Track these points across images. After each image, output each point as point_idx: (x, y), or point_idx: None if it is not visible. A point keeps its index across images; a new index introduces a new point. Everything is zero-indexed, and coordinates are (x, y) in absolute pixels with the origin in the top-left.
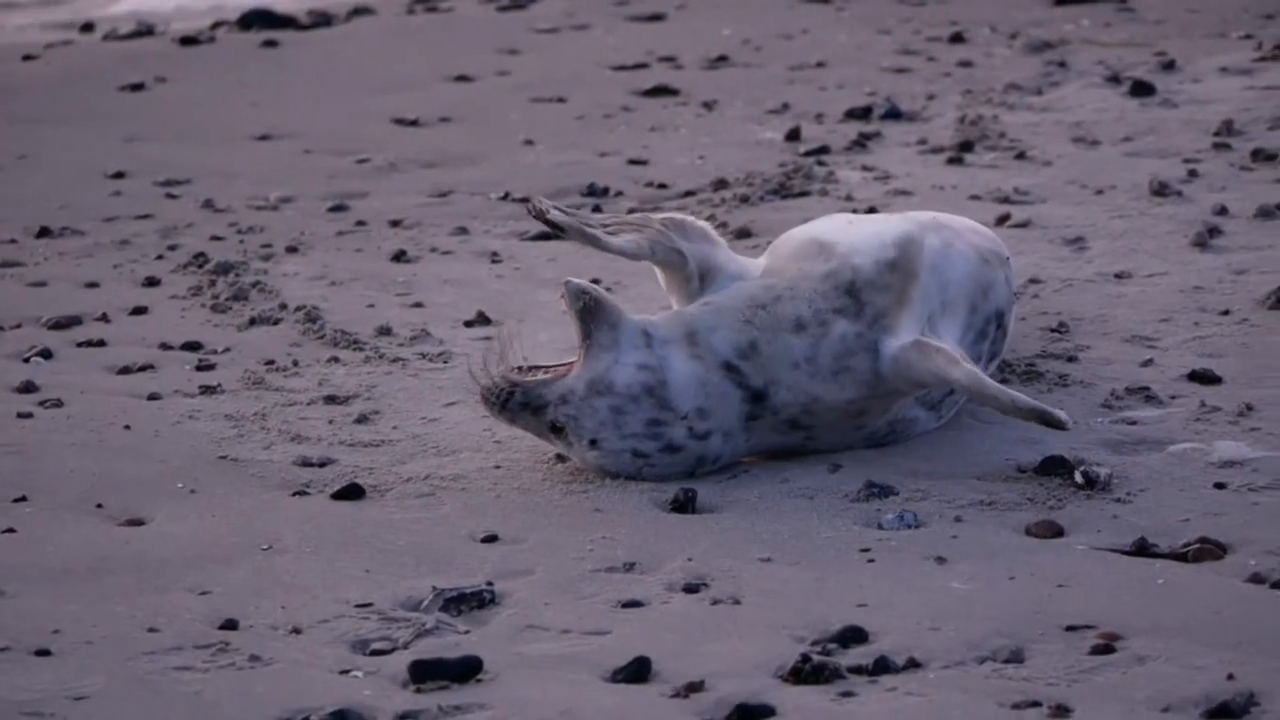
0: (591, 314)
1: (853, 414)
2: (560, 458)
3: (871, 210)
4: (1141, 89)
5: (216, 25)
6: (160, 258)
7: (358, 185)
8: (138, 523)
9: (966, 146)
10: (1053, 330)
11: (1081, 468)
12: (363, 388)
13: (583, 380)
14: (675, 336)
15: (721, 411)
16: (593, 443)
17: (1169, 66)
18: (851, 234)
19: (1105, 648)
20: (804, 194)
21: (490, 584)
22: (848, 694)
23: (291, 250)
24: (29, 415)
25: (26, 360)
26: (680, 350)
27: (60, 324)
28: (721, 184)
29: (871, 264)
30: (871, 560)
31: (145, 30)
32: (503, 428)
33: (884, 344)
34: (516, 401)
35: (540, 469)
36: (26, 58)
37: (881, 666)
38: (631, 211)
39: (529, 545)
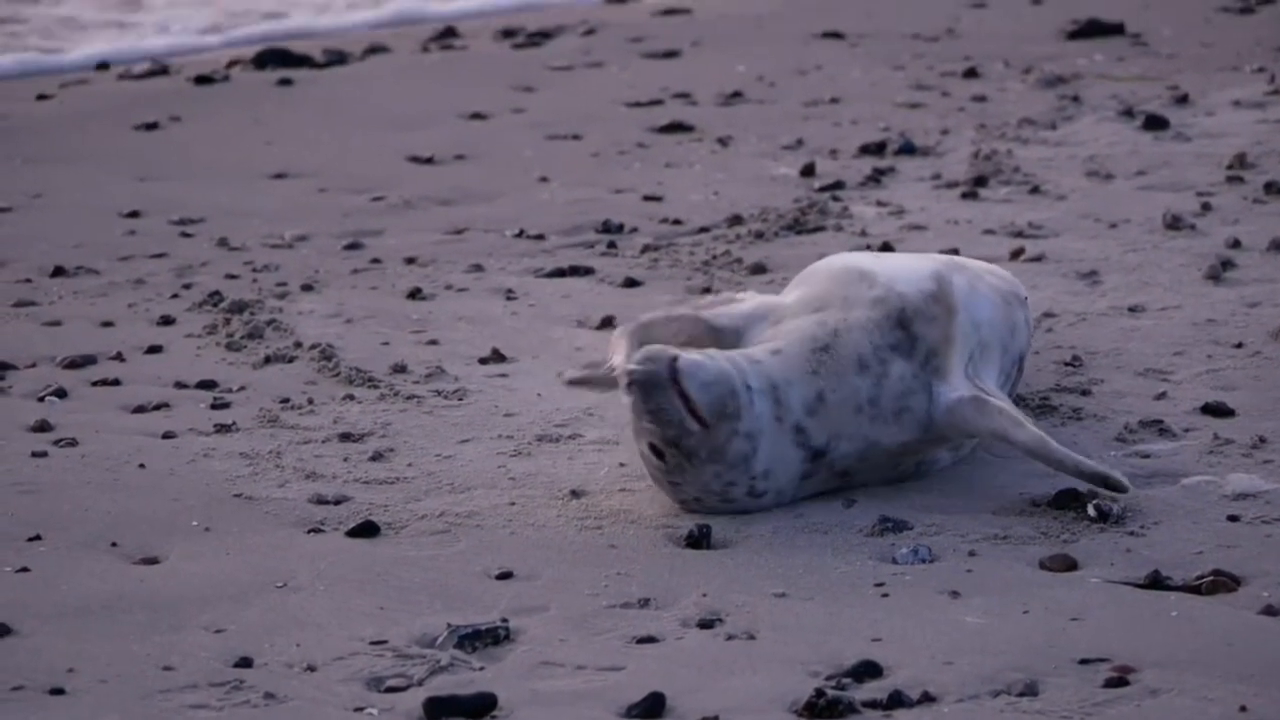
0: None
1: (898, 455)
2: (575, 494)
3: (886, 246)
4: (1155, 123)
5: (232, 64)
6: (175, 296)
7: (373, 223)
8: (152, 561)
9: (981, 181)
10: (1066, 364)
11: (1095, 501)
12: (377, 425)
13: (705, 447)
14: (764, 389)
15: (782, 472)
16: (675, 484)
17: (1182, 100)
18: (887, 264)
19: (1119, 680)
20: (819, 229)
21: (505, 621)
22: None
23: (306, 288)
24: (44, 454)
25: (41, 399)
26: (768, 411)
27: (75, 363)
28: (736, 220)
29: (916, 293)
30: (886, 595)
31: (160, 70)
32: (521, 464)
33: (938, 390)
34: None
35: (554, 505)
36: (41, 97)
37: (896, 701)
38: (645, 250)
39: (543, 582)
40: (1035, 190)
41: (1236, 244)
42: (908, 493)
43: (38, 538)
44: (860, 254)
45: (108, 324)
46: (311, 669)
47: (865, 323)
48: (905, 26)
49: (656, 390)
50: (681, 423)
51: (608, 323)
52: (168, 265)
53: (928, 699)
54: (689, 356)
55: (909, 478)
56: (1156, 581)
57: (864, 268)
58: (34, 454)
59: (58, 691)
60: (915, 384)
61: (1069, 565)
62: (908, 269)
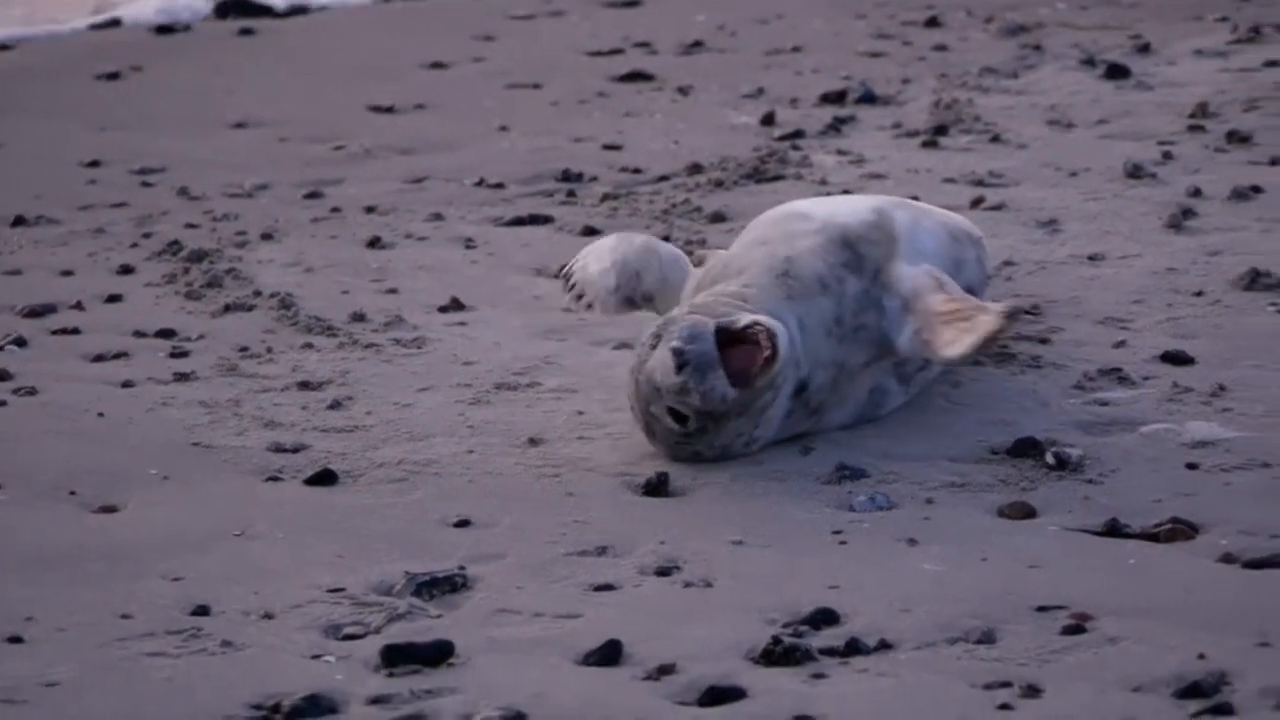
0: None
1: (858, 377)
2: (533, 442)
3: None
4: (1116, 72)
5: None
6: (135, 246)
7: (333, 172)
8: (111, 510)
9: (941, 130)
10: (1026, 312)
11: (1053, 449)
12: (336, 374)
13: (740, 406)
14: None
15: (775, 414)
16: (681, 444)
17: (1144, 49)
18: (825, 204)
19: (1076, 628)
20: (778, 178)
21: (463, 568)
22: (819, 676)
23: (266, 237)
24: (3, 403)
25: (1, 348)
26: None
27: (35, 312)
28: (696, 169)
29: (857, 221)
30: (843, 542)
31: (118, 21)
32: (479, 412)
33: (887, 303)
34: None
35: (513, 453)
36: (1, 48)
37: (853, 648)
38: (605, 198)
39: (501, 530)
40: (996, 139)
41: (1197, 193)
42: (865, 440)
43: None
44: (799, 200)
45: (68, 273)
46: (269, 617)
47: (813, 247)
48: None
49: (709, 370)
50: (724, 395)
51: None
52: (128, 214)
53: (885, 646)
54: (757, 320)
55: (866, 418)
56: (1115, 529)
57: (801, 209)
58: None
59: (16, 640)
60: (867, 300)
61: (1027, 513)
62: (847, 204)
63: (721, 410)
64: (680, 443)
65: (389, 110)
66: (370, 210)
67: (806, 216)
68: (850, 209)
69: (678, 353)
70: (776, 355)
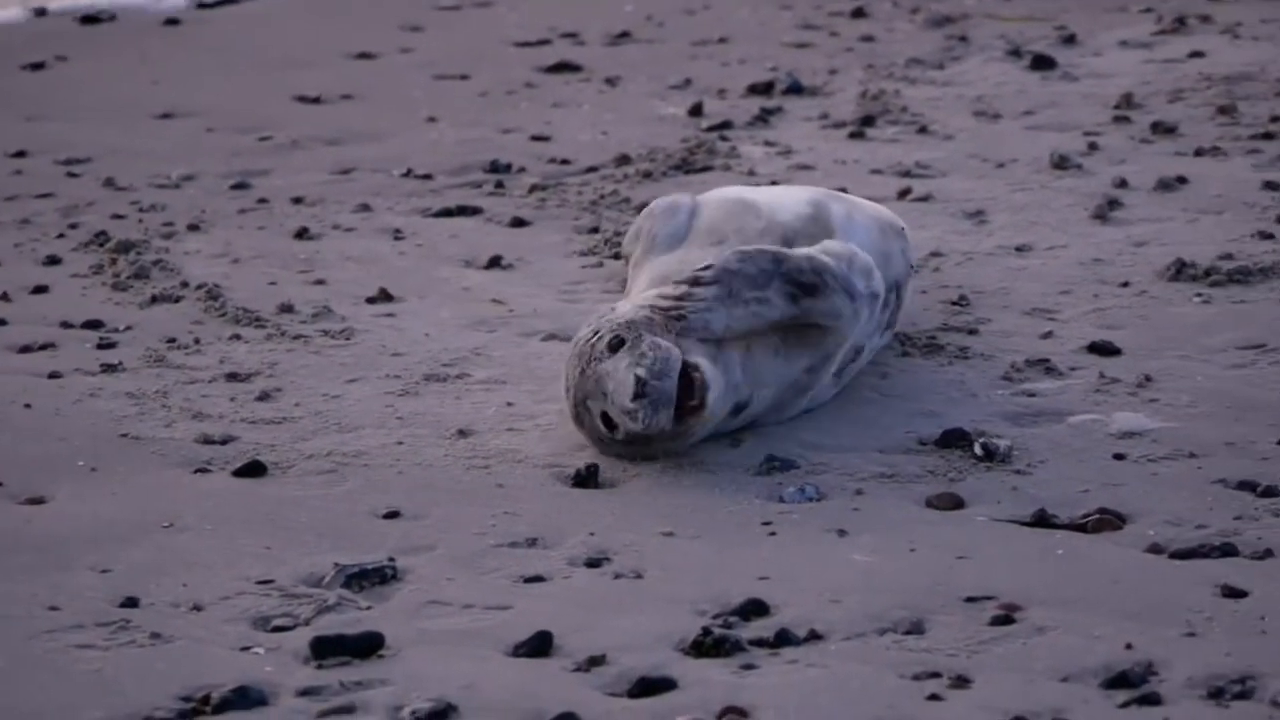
0: None
1: (782, 333)
2: (463, 434)
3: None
4: (1042, 63)
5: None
6: (61, 236)
7: (260, 163)
8: (38, 501)
9: (868, 121)
10: (953, 303)
11: (981, 440)
12: (264, 365)
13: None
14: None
15: (707, 431)
16: (612, 441)
17: (1069, 40)
18: (771, 198)
19: (1005, 619)
20: (707, 169)
21: (392, 560)
22: (749, 666)
23: (193, 228)
24: None
25: None
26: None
27: None
28: (624, 160)
29: (794, 218)
30: (773, 533)
31: (42, 11)
32: (408, 404)
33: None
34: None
35: (442, 445)
36: None
37: (782, 639)
38: (533, 189)
39: (431, 521)
40: (923, 130)
41: (1123, 184)
42: (794, 430)
43: None
44: (747, 189)
45: None
46: (198, 609)
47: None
48: None
49: (663, 407)
50: (664, 427)
51: (495, 262)
52: (54, 205)
53: (815, 637)
54: (704, 368)
55: (798, 405)
56: (1043, 520)
57: (750, 201)
58: None
59: None
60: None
61: (955, 504)
62: (789, 199)
63: (655, 435)
64: (605, 442)
65: (316, 101)
66: (298, 201)
67: (755, 212)
68: (791, 204)
69: (640, 382)
70: (703, 407)
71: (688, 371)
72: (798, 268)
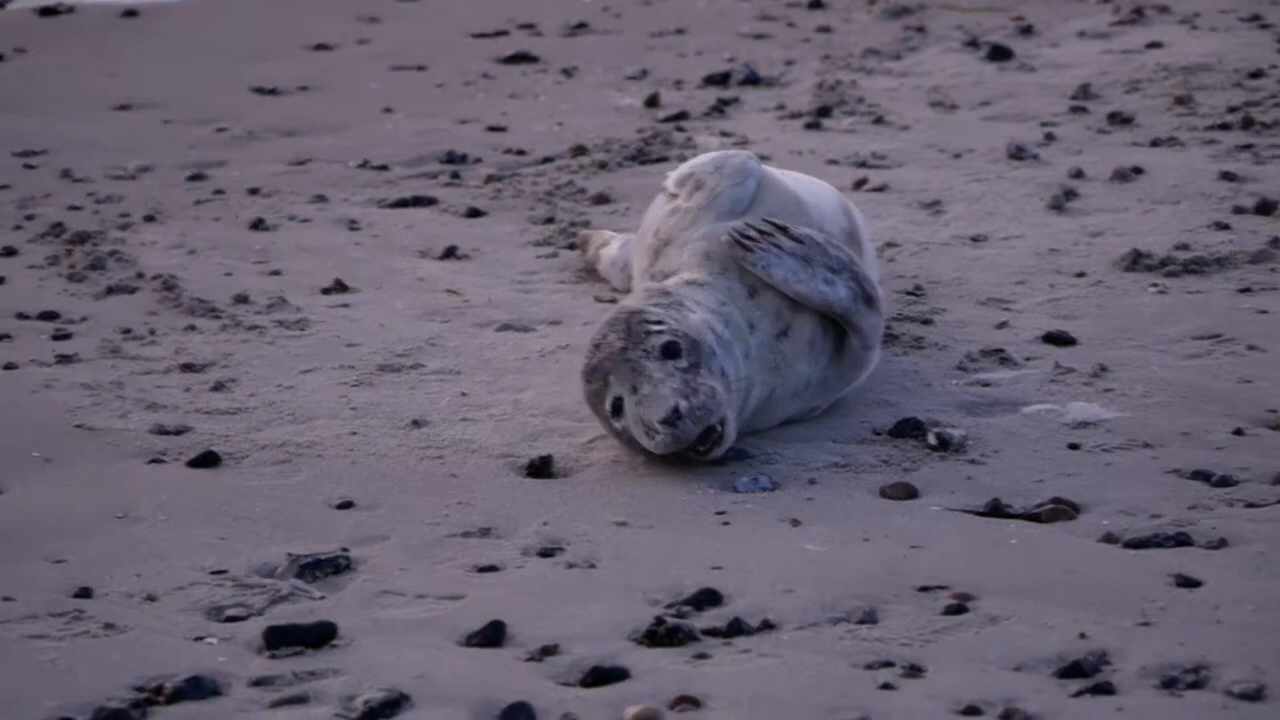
0: None
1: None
2: (417, 424)
3: None
4: (999, 53)
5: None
6: (18, 228)
7: (216, 154)
8: None
9: (825, 112)
10: (909, 293)
11: (935, 429)
12: (219, 356)
13: None
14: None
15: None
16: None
17: (1027, 31)
18: (815, 197)
19: (958, 608)
20: (662, 159)
21: (345, 550)
22: (702, 656)
23: (149, 219)
24: None
25: None
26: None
27: None
28: (580, 150)
29: (837, 230)
30: (726, 523)
31: (1, 3)
32: (362, 394)
33: None
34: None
35: (396, 435)
36: None
37: (735, 629)
38: (489, 180)
39: (384, 511)
40: (879, 121)
41: (1079, 174)
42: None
43: None
44: (792, 177)
45: None
46: (151, 599)
47: None
48: None
49: (683, 440)
50: (671, 449)
51: (450, 253)
52: (10, 197)
53: (768, 626)
54: (729, 423)
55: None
56: (996, 509)
57: (801, 199)
58: None
59: None
60: None
61: (909, 493)
62: (829, 206)
63: (644, 442)
64: (596, 410)
65: (272, 92)
66: (254, 192)
67: (807, 216)
68: (832, 215)
69: (676, 413)
70: (708, 453)
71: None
72: (866, 278)
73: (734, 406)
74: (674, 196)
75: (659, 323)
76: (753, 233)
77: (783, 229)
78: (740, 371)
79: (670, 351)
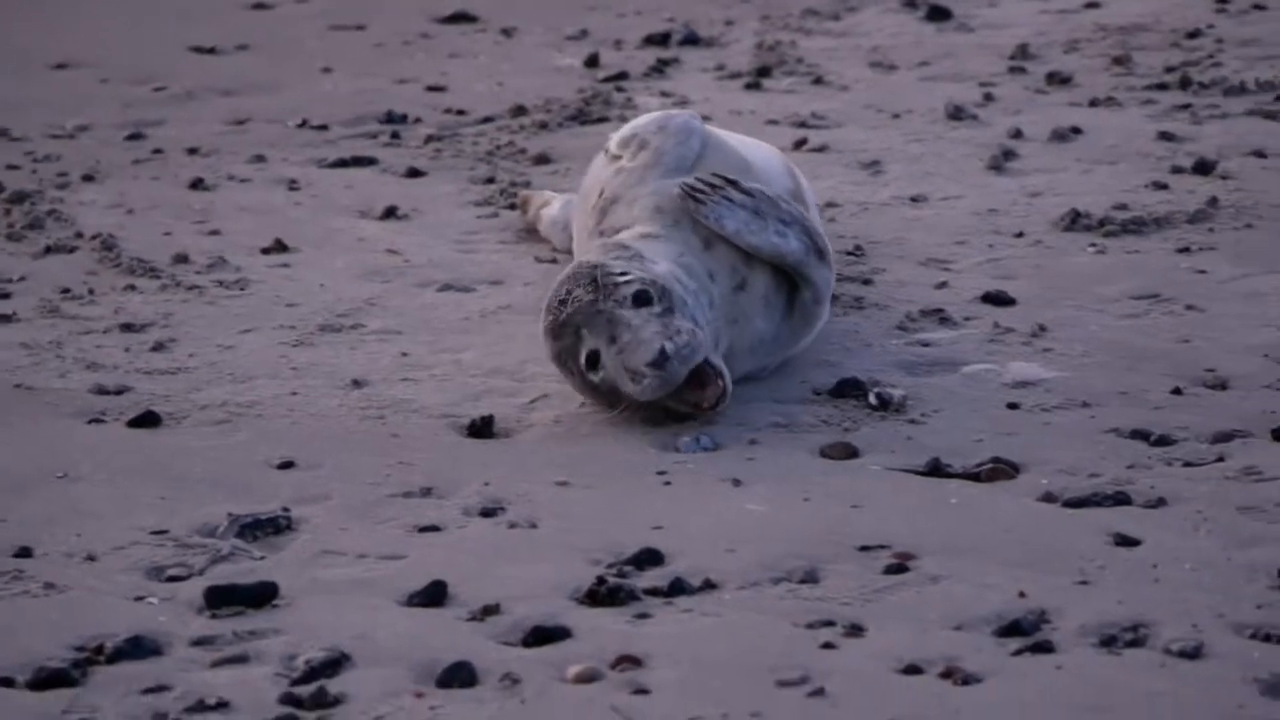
0: None
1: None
2: (357, 384)
3: None
4: (938, 14)
5: None
6: None
7: (155, 113)
8: None
9: (764, 72)
10: (849, 253)
11: (875, 389)
12: (159, 315)
13: None
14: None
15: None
16: (588, 371)
17: None
18: (759, 158)
19: (898, 567)
20: (602, 120)
21: (286, 510)
22: (643, 616)
23: (88, 179)
24: None
25: None
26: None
27: None
28: (520, 110)
29: (782, 190)
30: (668, 483)
31: None
32: (302, 354)
33: None
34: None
35: (336, 395)
36: None
37: (677, 588)
38: (429, 140)
39: (325, 471)
40: (818, 81)
41: (1018, 134)
42: None
43: None
44: (733, 137)
45: None
46: (92, 559)
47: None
48: None
49: (667, 387)
50: (649, 398)
51: (390, 213)
52: None
53: (709, 586)
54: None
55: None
56: (936, 469)
57: (746, 159)
58: None
59: None
60: None
61: (850, 453)
62: (774, 168)
63: (627, 391)
64: (568, 369)
65: (211, 51)
66: (192, 152)
67: (753, 176)
68: (778, 177)
69: (664, 355)
70: (713, 409)
71: (705, 369)
72: (817, 231)
73: (715, 352)
74: (617, 158)
75: (624, 273)
76: (703, 186)
77: (733, 182)
78: (709, 318)
79: (642, 299)
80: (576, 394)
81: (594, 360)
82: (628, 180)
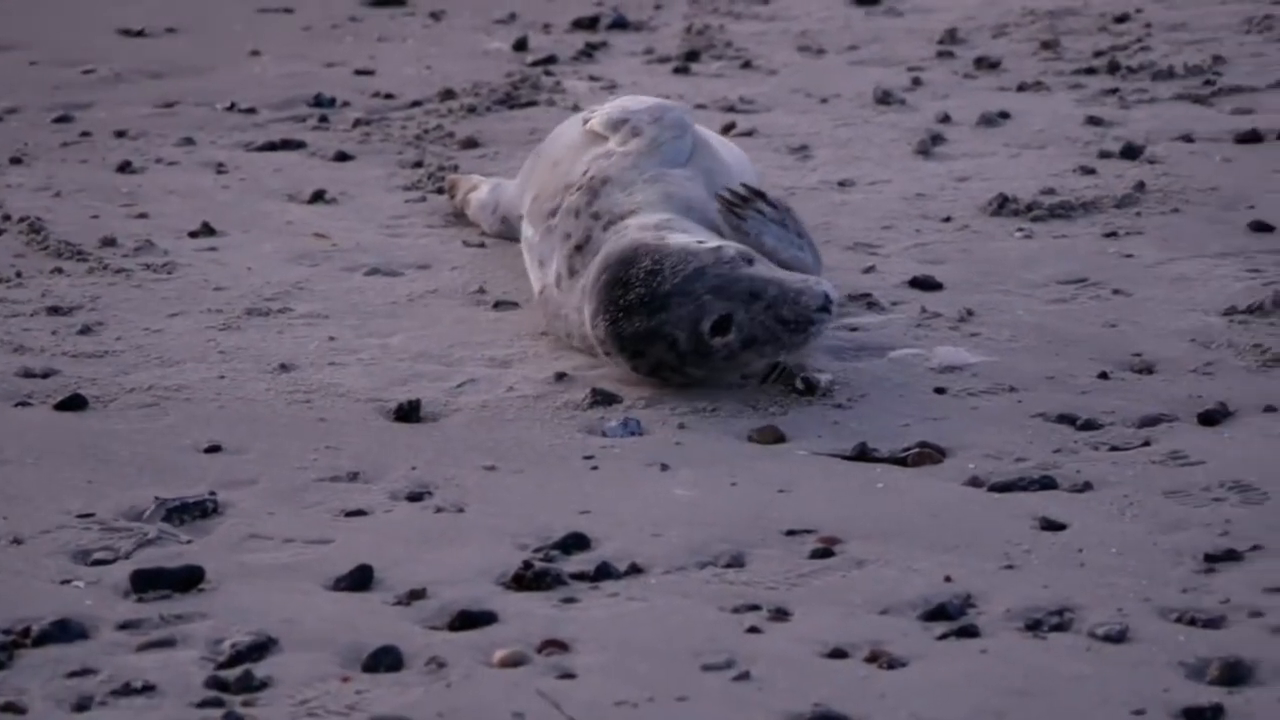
0: None
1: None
2: (285, 368)
3: None
4: None
5: None
6: None
7: (83, 96)
8: None
9: (693, 56)
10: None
11: (803, 374)
12: (86, 299)
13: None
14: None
15: None
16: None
17: None
18: (736, 160)
19: (824, 551)
20: (531, 104)
21: (213, 494)
22: (570, 600)
23: (15, 161)
24: None
25: None
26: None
27: None
28: (449, 94)
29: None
30: (595, 468)
31: None
32: (230, 338)
33: None
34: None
35: (264, 379)
36: None
37: (604, 572)
38: (357, 124)
39: (252, 455)
40: (747, 65)
41: (946, 119)
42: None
43: None
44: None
45: None
46: (18, 542)
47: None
48: None
49: (824, 329)
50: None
51: (319, 196)
52: None
53: (636, 570)
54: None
55: None
56: (863, 453)
57: (730, 168)
58: None
59: None
60: None
61: (777, 437)
62: (749, 175)
63: (771, 349)
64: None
65: (139, 34)
66: (120, 135)
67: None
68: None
69: (829, 300)
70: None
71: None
72: (815, 243)
73: None
74: (601, 138)
75: (700, 241)
76: (735, 198)
77: (760, 194)
78: None
79: (747, 258)
80: (501, 373)
81: (723, 325)
82: (621, 164)
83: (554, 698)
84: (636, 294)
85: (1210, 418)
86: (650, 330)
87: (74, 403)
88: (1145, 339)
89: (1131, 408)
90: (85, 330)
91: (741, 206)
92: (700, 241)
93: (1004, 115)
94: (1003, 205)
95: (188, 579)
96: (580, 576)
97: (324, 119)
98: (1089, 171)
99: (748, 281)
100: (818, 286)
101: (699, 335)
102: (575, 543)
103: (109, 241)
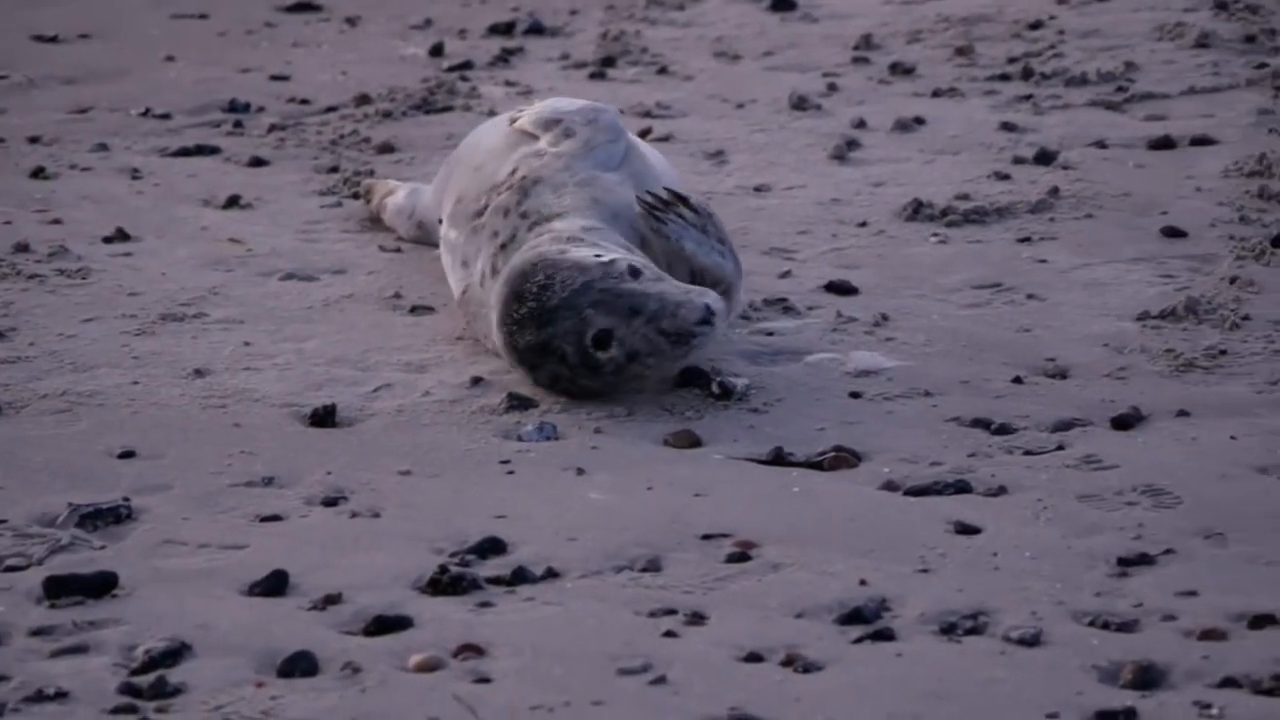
0: None
1: None
2: (199, 373)
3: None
4: (782, 4)
5: None
6: None
7: None
8: None
9: (609, 61)
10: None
11: (718, 378)
12: None
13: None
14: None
15: None
16: (594, 352)
17: None
18: (665, 168)
19: (741, 556)
20: (447, 109)
21: (127, 500)
22: (485, 604)
23: None
24: None
25: None
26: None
27: None
28: (364, 99)
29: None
30: (511, 472)
31: None
32: (144, 343)
33: None
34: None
35: (178, 384)
36: None
37: (519, 577)
38: (272, 129)
39: (167, 461)
40: (663, 71)
41: (862, 124)
42: None
43: None
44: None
45: None
46: None
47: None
48: None
49: (706, 341)
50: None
51: (234, 202)
52: None
53: (551, 575)
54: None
55: None
56: (779, 458)
57: (661, 176)
58: None
59: None
60: None
61: (693, 442)
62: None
63: (654, 361)
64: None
65: (53, 40)
66: (34, 140)
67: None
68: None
69: (710, 312)
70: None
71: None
72: (735, 250)
73: None
74: (530, 137)
75: (598, 254)
76: (657, 202)
77: (683, 199)
78: None
79: (635, 273)
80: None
81: (603, 340)
82: (553, 165)
83: (470, 702)
84: (529, 308)
85: (1124, 422)
86: (541, 344)
87: None
88: (1059, 344)
89: (1045, 412)
90: None
91: (662, 211)
92: (598, 255)
93: (919, 121)
94: (918, 210)
95: (101, 585)
96: (496, 581)
97: (239, 124)
98: (1003, 177)
99: (629, 296)
100: (699, 299)
101: (585, 349)
102: (491, 547)
103: (22, 247)
